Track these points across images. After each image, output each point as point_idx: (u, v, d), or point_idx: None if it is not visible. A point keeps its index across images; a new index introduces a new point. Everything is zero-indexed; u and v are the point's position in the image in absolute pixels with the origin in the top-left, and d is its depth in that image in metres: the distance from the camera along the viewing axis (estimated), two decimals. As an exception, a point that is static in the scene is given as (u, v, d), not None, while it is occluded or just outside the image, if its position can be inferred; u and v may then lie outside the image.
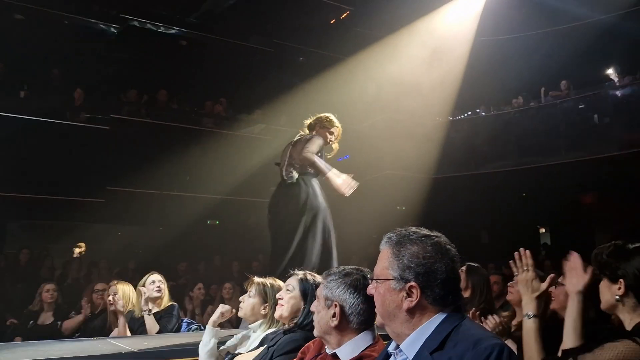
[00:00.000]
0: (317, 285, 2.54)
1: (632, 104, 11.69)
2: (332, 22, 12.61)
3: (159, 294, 4.63)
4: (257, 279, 3.33)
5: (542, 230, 15.24)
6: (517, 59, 12.59)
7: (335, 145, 5.08)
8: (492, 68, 12.37)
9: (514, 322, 3.60)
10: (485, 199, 12.37)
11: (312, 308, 2.29)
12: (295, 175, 4.77)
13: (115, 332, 4.59)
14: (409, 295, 1.66)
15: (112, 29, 11.28)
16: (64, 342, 4.38)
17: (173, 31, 11.81)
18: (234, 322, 5.31)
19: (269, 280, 3.32)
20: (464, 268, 3.99)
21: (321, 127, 4.99)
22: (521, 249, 2.52)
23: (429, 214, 11.06)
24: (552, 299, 2.78)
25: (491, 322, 3.03)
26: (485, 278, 4.12)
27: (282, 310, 2.91)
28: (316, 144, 4.77)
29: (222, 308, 3.42)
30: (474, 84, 12.27)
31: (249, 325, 3.30)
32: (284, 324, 2.97)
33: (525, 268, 2.45)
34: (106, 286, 5.23)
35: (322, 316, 2.16)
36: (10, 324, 5.93)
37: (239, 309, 3.33)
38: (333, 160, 5.12)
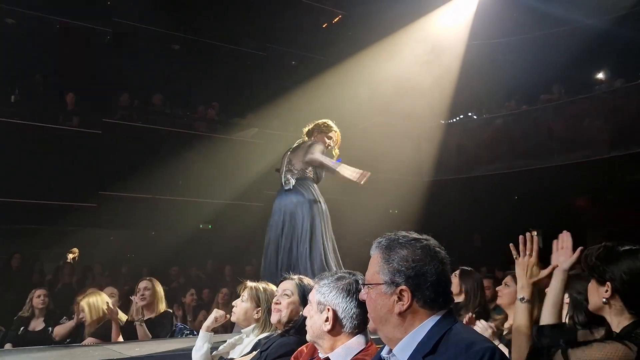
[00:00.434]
0: None
1: (623, 107, 11.75)
2: (324, 26, 12.63)
3: (144, 302, 4.61)
4: (249, 283, 3.32)
5: (535, 233, 15.26)
6: (509, 62, 12.63)
7: (336, 151, 5.10)
8: (485, 72, 12.41)
9: (506, 325, 3.61)
10: (478, 202, 12.40)
11: (305, 312, 2.28)
12: (293, 181, 4.79)
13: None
14: (400, 299, 1.67)
15: (105, 33, 11.23)
16: (55, 349, 4.36)
17: (165, 35, 11.78)
18: (228, 327, 5.30)
19: (262, 285, 3.31)
20: (457, 272, 4.00)
21: (319, 132, 5.02)
22: (528, 233, 2.44)
23: (422, 217, 11.09)
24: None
25: (479, 326, 3.01)
26: (479, 282, 4.13)
27: (281, 315, 2.88)
28: (318, 148, 4.82)
29: (216, 313, 3.41)
30: (466, 87, 12.31)
31: (242, 330, 3.29)
32: (277, 329, 2.96)
33: (528, 252, 2.38)
34: (97, 290, 5.21)
35: (315, 320, 2.15)
36: (-1, 331, 5.89)
37: (232, 313, 3.32)
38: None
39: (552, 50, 12.46)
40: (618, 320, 2.05)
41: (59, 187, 9.51)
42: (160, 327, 4.54)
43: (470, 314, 3.30)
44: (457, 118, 13.59)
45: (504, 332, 3.45)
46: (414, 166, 12.07)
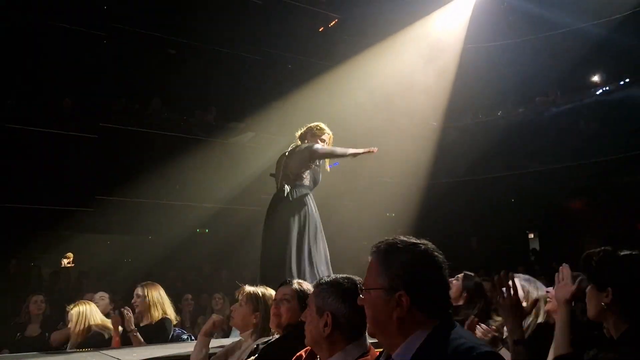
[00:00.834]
0: None
1: (618, 109, 11.81)
2: (320, 29, 12.66)
3: (137, 310, 4.57)
4: (248, 288, 3.31)
5: (531, 235, 15.32)
6: (505, 65, 12.69)
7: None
8: (481, 75, 12.45)
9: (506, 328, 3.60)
10: (474, 205, 12.44)
11: (303, 317, 2.28)
12: (288, 188, 4.80)
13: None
14: (398, 304, 1.66)
15: (102, 38, 11.23)
16: (52, 354, 4.34)
17: (162, 40, 11.78)
18: (226, 332, 5.29)
19: (260, 289, 3.31)
20: (460, 276, 4.00)
21: (312, 135, 5.03)
22: (502, 273, 2.48)
23: (419, 220, 11.11)
24: (549, 299, 2.78)
25: (480, 331, 3.00)
26: (481, 285, 4.13)
27: (280, 320, 2.87)
28: (320, 144, 4.90)
29: (214, 318, 3.41)
30: (462, 91, 12.35)
31: (240, 335, 3.29)
32: (275, 333, 2.96)
33: (507, 292, 2.41)
34: (93, 296, 5.19)
35: (314, 326, 2.15)
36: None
37: (230, 318, 3.32)
38: (322, 168, 5.15)
39: (547, 53, 12.52)
40: (618, 326, 2.05)
41: (55, 192, 9.50)
42: (156, 336, 4.47)
43: (472, 317, 3.29)
44: (454, 121, 13.61)
45: (505, 336, 3.45)
46: (410, 170, 12.08)
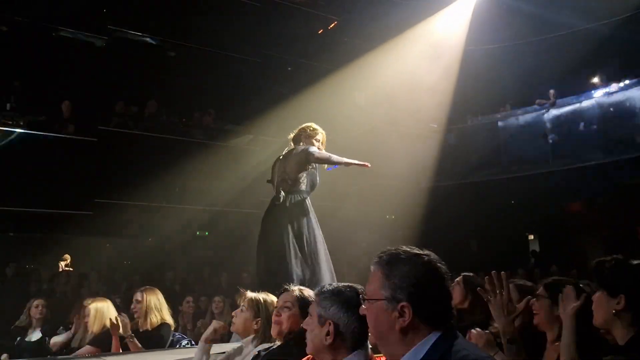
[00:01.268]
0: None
1: (618, 111, 11.82)
2: (320, 32, 12.65)
3: (136, 315, 4.56)
4: (249, 294, 3.30)
5: (531, 237, 15.34)
6: (504, 67, 12.70)
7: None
8: (481, 77, 12.46)
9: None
10: (474, 207, 12.43)
11: (305, 325, 2.27)
12: (283, 195, 4.77)
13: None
14: (401, 315, 1.66)
15: (100, 41, 11.22)
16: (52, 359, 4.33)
17: (161, 42, 11.78)
18: (225, 337, 5.28)
19: (261, 295, 3.29)
20: (460, 279, 3.97)
21: (306, 136, 5.00)
22: (493, 272, 2.52)
23: (419, 223, 11.09)
24: (535, 313, 2.79)
25: (473, 335, 2.97)
26: (482, 287, 4.10)
27: (281, 327, 2.86)
28: (315, 149, 4.88)
29: (215, 324, 3.39)
30: (462, 93, 12.35)
31: (241, 340, 3.28)
32: (276, 340, 2.95)
33: (499, 291, 2.46)
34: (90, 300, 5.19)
35: (316, 334, 2.14)
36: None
37: (232, 323, 3.31)
38: (322, 170, 5.15)
39: (546, 55, 12.53)
40: (625, 332, 2.08)
41: (54, 195, 9.48)
42: (155, 341, 4.45)
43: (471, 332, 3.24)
44: (454, 124, 13.61)
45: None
46: (410, 172, 12.08)
